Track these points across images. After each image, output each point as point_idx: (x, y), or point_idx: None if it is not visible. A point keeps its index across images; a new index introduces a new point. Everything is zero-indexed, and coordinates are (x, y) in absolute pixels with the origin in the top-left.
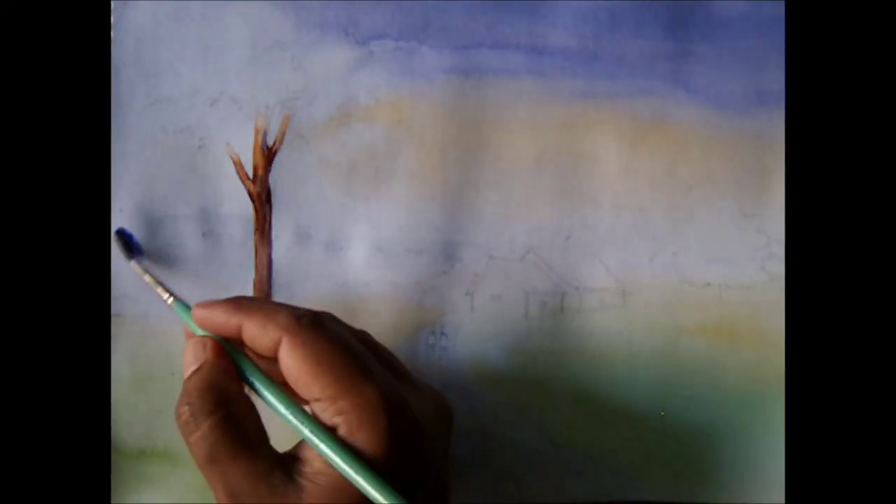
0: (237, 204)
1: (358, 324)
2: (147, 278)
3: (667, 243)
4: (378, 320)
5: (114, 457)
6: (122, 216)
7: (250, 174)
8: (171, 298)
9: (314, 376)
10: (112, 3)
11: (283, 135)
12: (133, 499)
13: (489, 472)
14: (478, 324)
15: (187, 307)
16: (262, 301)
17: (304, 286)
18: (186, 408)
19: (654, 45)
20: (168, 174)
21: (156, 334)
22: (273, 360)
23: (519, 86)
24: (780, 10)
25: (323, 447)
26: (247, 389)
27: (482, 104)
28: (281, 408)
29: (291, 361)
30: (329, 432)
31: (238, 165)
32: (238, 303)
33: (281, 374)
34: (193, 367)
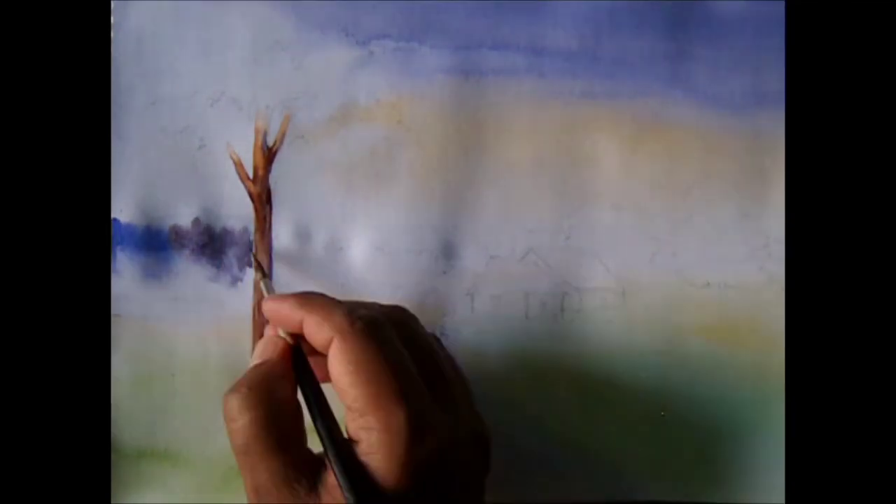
0: (237, 204)
1: None
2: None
3: (667, 243)
4: None
5: (114, 457)
6: (122, 216)
7: (250, 174)
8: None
9: (350, 385)
10: (112, 3)
11: (283, 135)
12: (133, 499)
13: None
14: (478, 324)
15: None
16: (325, 298)
17: (304, 286)
18: (234, 396)
19: (653, 46)
20: (168, 174)
21: (156, 334)
22: (321, 352)
23: (519, 86)
24: (778, 10)
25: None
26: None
27: (482, 104)
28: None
29: (334, 365)
30: (342, 452)
31: (238, 165)
32: (303, 298)
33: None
34: (257, 362)
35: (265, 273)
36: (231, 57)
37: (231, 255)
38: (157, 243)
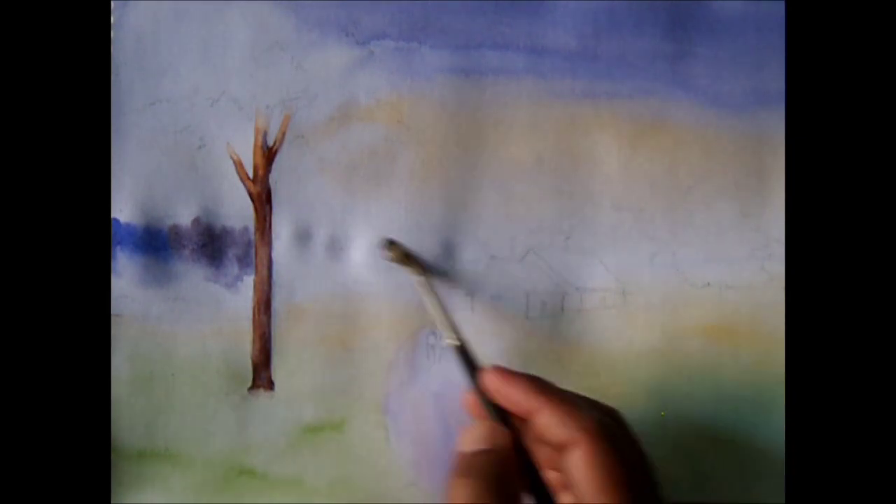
0: (237, 204)
1: (358, 324)
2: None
3: (667, 243)
4: (378, 320)
5: (114, 457)
6: (122, 216)
7: (250, 174)
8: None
9: (600, 490)
10: (112, 3)
11: (283, 135)
12: (133, 499)
13: None
14: (478, 324)
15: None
16: (561, 392)
17: (304, 286)
18: (464, 484)
19: (653, 46)
20: (168, 174)
21: (156, 334)
22: (555, 446)
23: (519, 86)
24: (779, 10)
25: None
26: None
27: (482, 104)
28: None
29: (581, 468)
30: None
31: (238, 165)
32: (537, 386)
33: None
34: (483, 446)
35: (425, 270)
36: (231, 57)
37: (231, 255)
38: (156, 243)
